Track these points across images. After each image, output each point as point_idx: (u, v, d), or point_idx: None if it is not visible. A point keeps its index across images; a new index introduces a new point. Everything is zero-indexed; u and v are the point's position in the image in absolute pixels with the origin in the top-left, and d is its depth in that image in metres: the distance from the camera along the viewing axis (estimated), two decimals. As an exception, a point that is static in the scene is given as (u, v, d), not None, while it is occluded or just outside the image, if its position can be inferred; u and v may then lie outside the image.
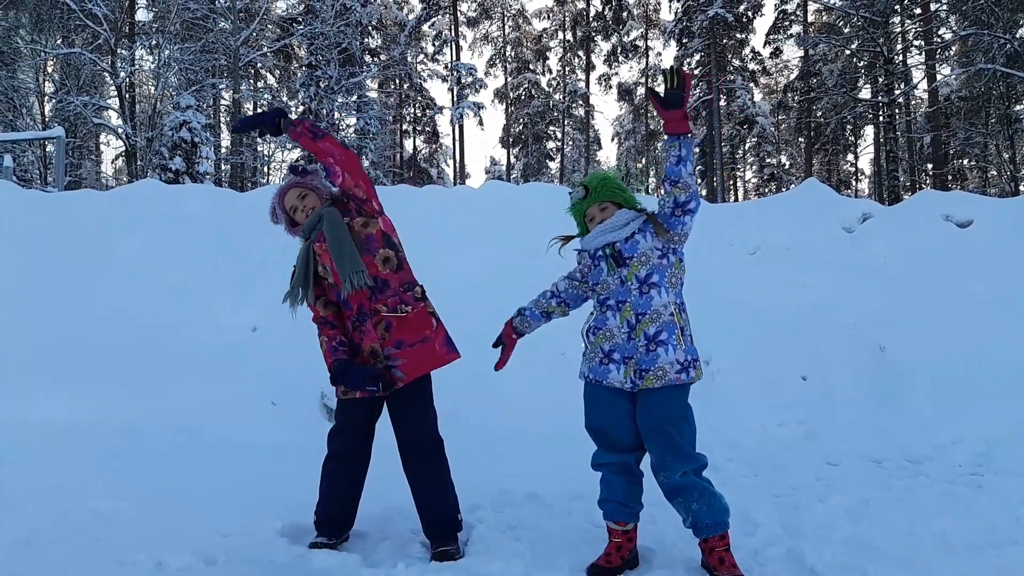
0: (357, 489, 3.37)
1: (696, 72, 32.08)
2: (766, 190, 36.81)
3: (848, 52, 30.34)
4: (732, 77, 33.90)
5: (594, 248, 3.13)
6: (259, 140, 34.05)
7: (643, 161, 41.33)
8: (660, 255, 3.04)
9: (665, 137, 3.04)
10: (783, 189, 34.41)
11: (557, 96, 40.08)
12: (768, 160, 37.83)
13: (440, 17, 37.03)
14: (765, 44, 35.49)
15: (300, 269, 3.30)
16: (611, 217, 3.11)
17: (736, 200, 35.67)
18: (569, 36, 40.16)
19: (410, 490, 3.33)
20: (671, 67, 2.99)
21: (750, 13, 33.53)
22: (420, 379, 3.27)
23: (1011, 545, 3.40)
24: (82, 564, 2.95)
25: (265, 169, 36.78)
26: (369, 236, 3.24)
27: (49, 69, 28.46)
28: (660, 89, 2.98)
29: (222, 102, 32.37)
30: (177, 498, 3.80)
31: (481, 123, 36.14)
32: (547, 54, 40.79)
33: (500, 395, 6.07)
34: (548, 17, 40.43)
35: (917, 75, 28.18)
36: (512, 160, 40.50)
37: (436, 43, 37.64)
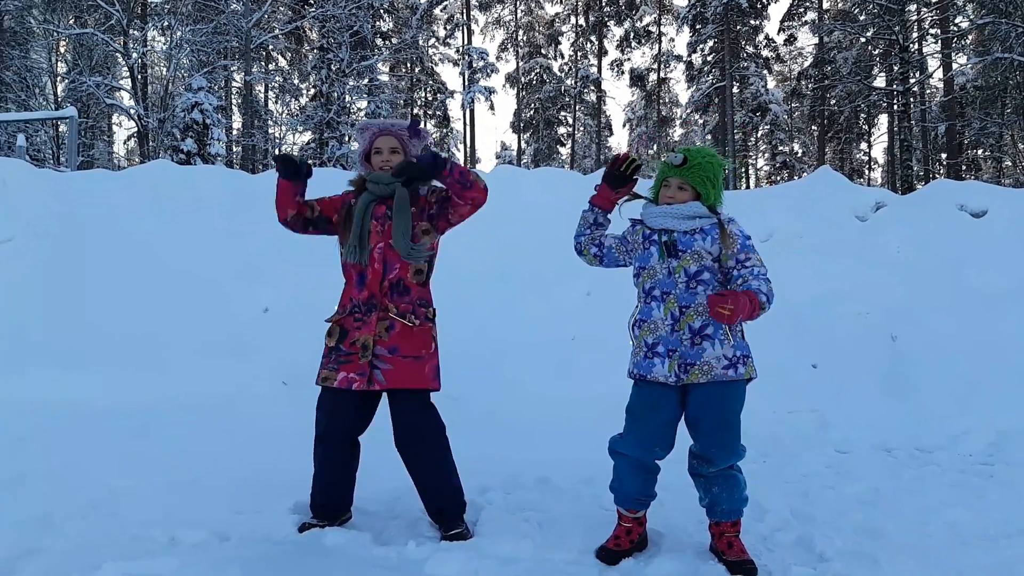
0: (351, 472, 3.33)
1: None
2: (778, 178, 36.59)
3: (863, 40, 30.07)
4: (745, 64, 33.65)
5: (651, 228, 3.04)
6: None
7: (654, 148, 41.13)
8: (714, 259, 2.97)
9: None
10: (795, 177, 34.20)
11: (569, 81, 39.85)
12: (781, 148, 37.57)
13: (452, 0, 36.86)
14: (779, 31, 35.25)
15: (356, 227, 3.21)
16: (682, 204, 3.00)
17: (748, 187, 35.50)
18: (582, 21, 39.91)
19: (411, 477, 3.28)
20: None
21: (764, -1, 33.27)
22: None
23: (1022, 536, 3.39)
24: (98, 539, 2.98)
25: (277, 152, 36.78)
26: (421, 243, 3.23)
27: (62, 49, 28.51)
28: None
29: (234, 84, 32.35)
30: (190, 477, 3.82)
31: (492, 108, 36.13)
32: (559, 39, 40.56)
33: (510, 380, 6.10)
34: (561, 1, 40.21)
35: (932, 64, 27.93)
36: (523, 145, 40.36)
37: (448, 27, 37.49)
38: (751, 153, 39.59)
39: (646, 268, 3.04)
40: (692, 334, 2.91)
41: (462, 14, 37.25)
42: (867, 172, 38.80)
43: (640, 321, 3.04)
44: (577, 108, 40.34)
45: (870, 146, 38.55)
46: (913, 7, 27.96)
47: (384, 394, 3.30)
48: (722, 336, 2.92)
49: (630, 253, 3.15)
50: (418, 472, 3.27)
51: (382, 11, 34.15)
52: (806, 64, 35.24)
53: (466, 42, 37.16)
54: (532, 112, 40.03)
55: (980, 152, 31.64)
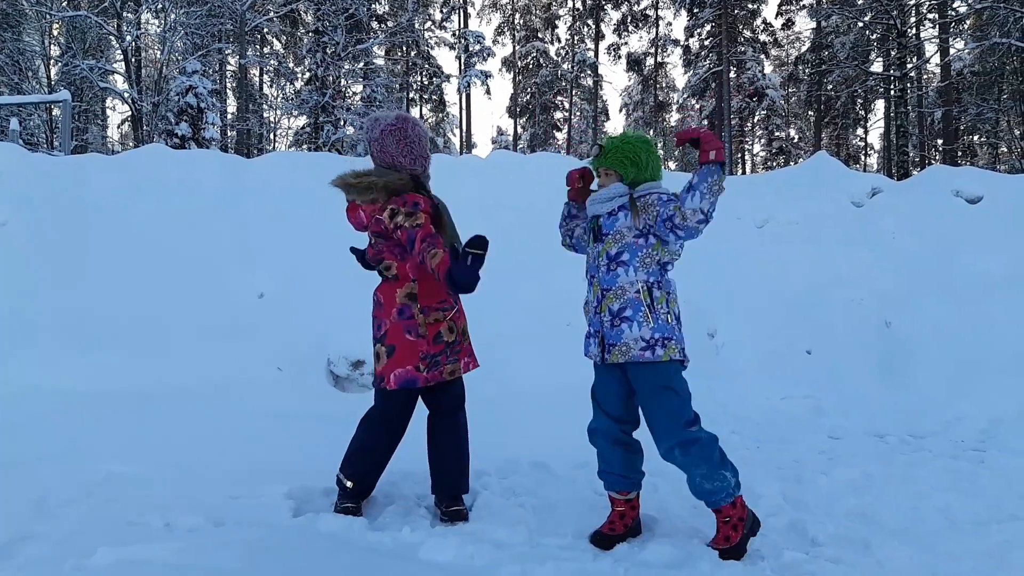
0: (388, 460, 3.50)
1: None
2: (774, 163, 36.54)
3: (861, 24, 29.94)
4: (743, 48, 33.52)
5: (588, 216, 3.22)
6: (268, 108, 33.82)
7: (651, 133, 41.02)
8: (637, 234, 3.04)
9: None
10: (791, 163, 34.17)
11: (565, 65, 39.63)
12: (777, 133, 37.49)
13: (448, -17, 36.57)
14: (777, 15, 35.10)
15: (452, 223, 3.44)
16: (605, 188, 3.14)
17: (744, 173, 35.46)
18: (579, 4, 39.66)
19: (430, 443, 3.43)
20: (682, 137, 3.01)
21: (763, -17, 33.07)
22: None
23: (1013, 521, 3.43)
24: (94, 524, 2.99)
25: (271, 136, 36.64)
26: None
27: (55, 32, 28.26)
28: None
29: (228, 67, 32.13)
30: (186, 462, 3.83)
31: (488, 92, 35.80)
32: (556, 23, 40.30)
33: (506, 366, 6.10)
34: (558, -16, 39.92)
35: (930, 49, 27.83)
36: (519, 130, 40.21)
37: (444, 10, 37.19)
38: (747, 138, 39.52)
39: (588, 254, 3.24)
40: (611, 316, 3.04)
41: (458, -3, 36.97)
42: (863, 158, 38.75)
43: (584, 304, 3.25)
44: (574, 93, 40.14)
45: (866, 132, 38.48)
46: (912, -9, 27.82)
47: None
48: (641, 318, 2.98)
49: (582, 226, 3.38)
50: (437, 436, 3.39)
51: (378, -6, 33.87)
52: (803, 49, 35.09)
53: (462, 25, 36.92)
54: (528, 97, 39.82)
55: (976, 138, 31.61)
